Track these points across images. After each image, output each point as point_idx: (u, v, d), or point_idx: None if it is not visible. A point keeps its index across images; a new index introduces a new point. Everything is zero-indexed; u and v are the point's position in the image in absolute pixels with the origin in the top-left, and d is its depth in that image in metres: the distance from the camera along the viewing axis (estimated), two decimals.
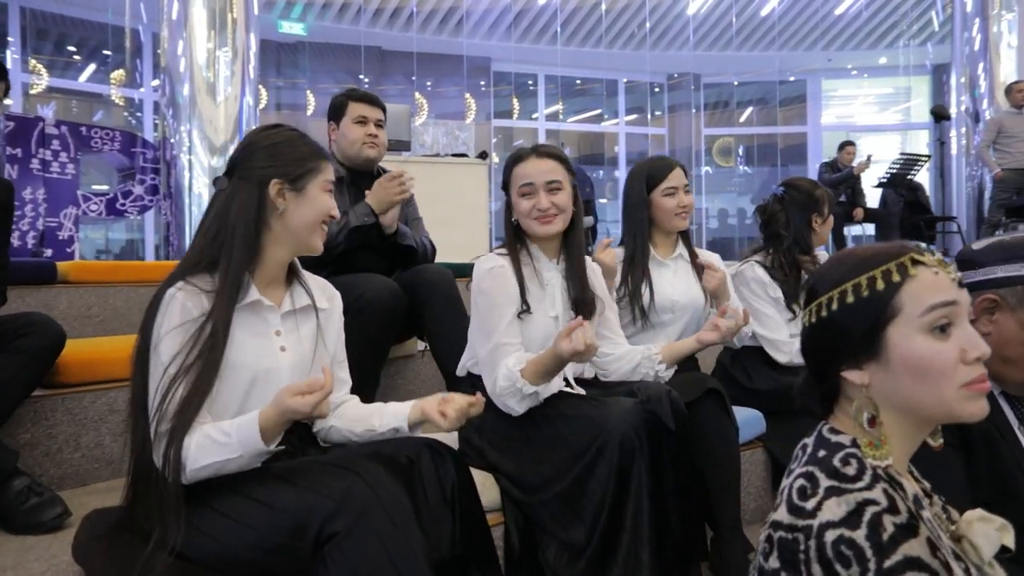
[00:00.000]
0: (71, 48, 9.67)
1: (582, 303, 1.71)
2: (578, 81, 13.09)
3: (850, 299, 0.87)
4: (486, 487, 1.68)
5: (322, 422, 1.42)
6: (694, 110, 12.94)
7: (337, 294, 1.51)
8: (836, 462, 0.84)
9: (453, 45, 11.49)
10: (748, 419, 2.05)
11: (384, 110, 2.43)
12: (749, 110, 13.58)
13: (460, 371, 1.80)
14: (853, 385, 0.88)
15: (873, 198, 7.23)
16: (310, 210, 1.33)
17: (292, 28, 10.74)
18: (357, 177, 2.41)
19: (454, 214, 4.73)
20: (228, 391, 1.24)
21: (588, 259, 1.82)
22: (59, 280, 2.68)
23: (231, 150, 5.32)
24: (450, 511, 1.25)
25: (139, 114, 9.54)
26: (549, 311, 1.68)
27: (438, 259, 2.52)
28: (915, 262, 0.86)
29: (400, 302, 2.16)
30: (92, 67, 9.63)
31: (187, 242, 5.44)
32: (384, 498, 1.11)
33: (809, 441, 0.91)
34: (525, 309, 1.63)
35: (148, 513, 1.17)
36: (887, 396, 0.87)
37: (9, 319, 1.74)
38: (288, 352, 1.33)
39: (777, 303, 2.24)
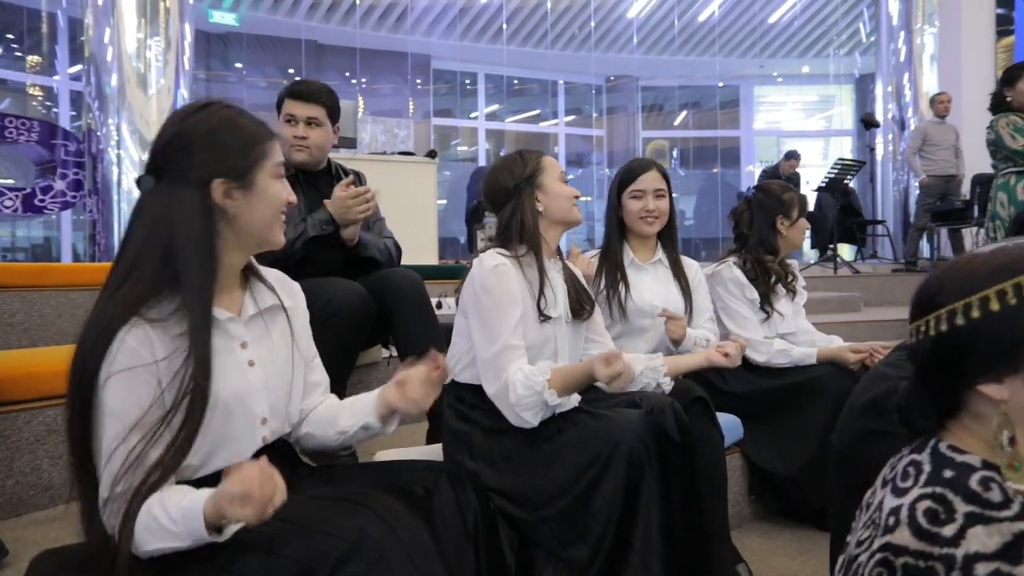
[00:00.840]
0: None
1: (583, 301, 1.67)
2: (515, 81, 13.09)
3: (994, 306, 0.81)
4: None
5: (296, 431, 1.25)
6: (632, 112, 13.14)
7: (296, 286, 1.30)
8: (974, 485, 0.79)
9: (395, 41, 11.28)
10: (726, 425, 2.02)
11: (326, 105, 2.19)
12: (684, 113, 13.89)
13: (450, 375, 1.70)
14: (987, 400, 0.83)
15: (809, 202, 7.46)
16: (264, 206, 1.10)
17: (224, 18, 10.31)
18: (311, 176, 2.26)
19: (403, 214, 4.59)
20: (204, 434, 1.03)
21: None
22: None
23: None
24: (472, 543, 1.11)
25: (49, 104, 8.92)
26: (554, 312, 1.60)
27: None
28: None
29: (369, 308, 2.05)
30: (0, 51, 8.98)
31: (115, 241, 5.11)
32: (403, 536, 0.99)
33: (920, 458, 0.86)
34: (545, 318, 1.56)
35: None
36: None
37: None
38: (258, 367, 1.13)
39: (753, 304, 2.24)
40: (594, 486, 1.37)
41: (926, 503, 0.79)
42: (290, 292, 1.25)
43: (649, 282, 2.01)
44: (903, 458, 0.89)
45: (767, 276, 2.23)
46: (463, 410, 1.61)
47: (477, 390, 1.56)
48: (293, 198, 1.15)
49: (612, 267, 2.01)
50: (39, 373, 1.79)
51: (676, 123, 13.91)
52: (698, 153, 13.77)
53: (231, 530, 0.94)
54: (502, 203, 1.64)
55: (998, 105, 3.68)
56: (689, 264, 2.11)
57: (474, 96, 12.77)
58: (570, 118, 13.28)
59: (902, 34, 7.93)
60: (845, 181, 6.53)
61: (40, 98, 9.12)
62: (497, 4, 11.33)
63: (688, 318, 2.00)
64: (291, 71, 10.83)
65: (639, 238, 2.05)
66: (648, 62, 12.64)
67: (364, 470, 1.23)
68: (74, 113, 8.47)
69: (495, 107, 12.86)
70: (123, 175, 5.03)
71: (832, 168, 6.46)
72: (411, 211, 4.71)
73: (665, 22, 12.31)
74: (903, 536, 0.78)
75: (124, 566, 0.93)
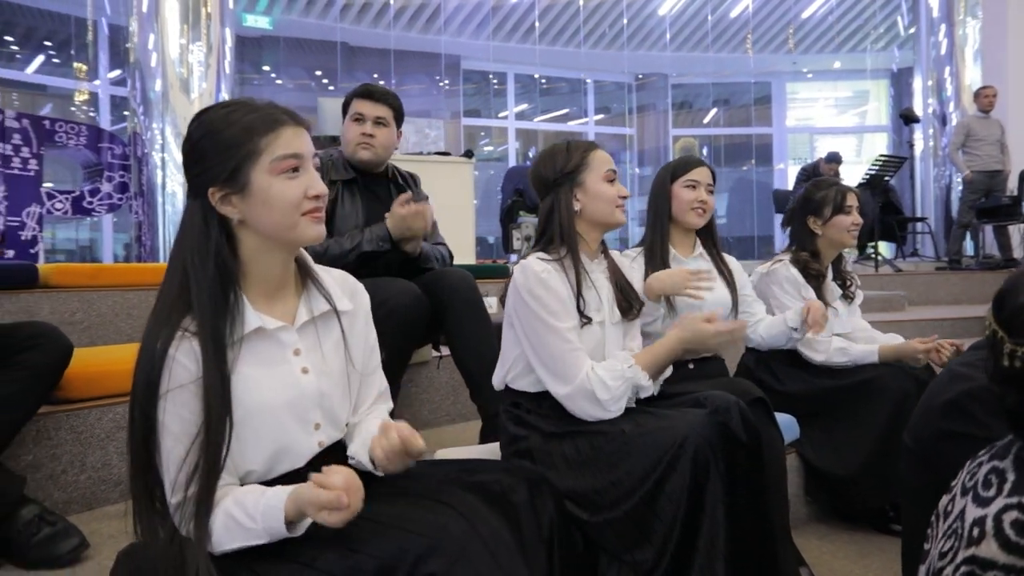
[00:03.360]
0: (10, 39, 9.23)
1: (630, 300, 1.63)
2: (544, 80, 13.07)
3: None
4: None
5: (349, 445, 1.20)
6: (663, 110, 13.05)
7: (361, 288, 1.28)
8: None
9: (426, 42, 11.34)
10: (782, 424, 1.99)
11: (394, 107, 2.27)
12: (715, 110, 13.75)
13: (498, 384, 1.69)
14: None
15: None
16: (266, 206, 1.04)
17: (257, 22, 10.45)
18: (369, 180, 2.29)
19: (441, 215, 4.60)
20: (250, 440, 1.06)
21: (615, 254, 1.73)
22: (39, 284, 2.50)
23: None
24: (546, 547, 1.10)
25: (86, 108, 9.12)
26: (597, 316, 1.57)
27: None
28: None
29: (423, 307, 2.07)
30: (41, 58, 9.21)
31: (160, 242, 5.23)
32: (484, 534, 0.98)
33: (1002, 465, 0.84)
34: (587, 321, 1.53)
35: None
36: None
37: (12, 329, 1.59)
38: (312, 373, 1.12)
39: None
40: (659, 487, 1.35)
41: (1014, 514, 0.77)
42: (352, 294, 1.23)
43: None
44: (982, 464, 0.86)
45: (812, 278, 2.21)
46: (520, 415, 1.59)
47: (534, 396, 1.56)
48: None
49: (660, 263, 1.98)
50: (109, 371, 1.84)
51: (707, 120, 13.78)
52: (729, 151, 13.62)
53: (305, 524, 0.96)
54: (542, 195, 1.61)
55: None
56: (727, 259, 2.11)
57: (503, 95, 12.77)
58: (599, 117, 13.23)
59: (943, 27, 7.77)
60: (886, 178, 6.42)
61: (82, 103, 9.35)
62: (528, 3, 11.32)
63: (736, 311, 2.02)
64: (318, 73, 10.93)
65: (682, 232, 2.04)
66: (679, 59, 12.54)
67: (437, 467, 1.20)
68: (113, 117, 8.67)
69: (525, 106, 12.85)
70: (167, 178, 5.13)
71: (872, 165, 6.35)
72: (448, 211, 4.72)
73: (697, 18, 12.19)
74: (990, 549, 0.76)
75: (205, 565, 0.95)
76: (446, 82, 11.81)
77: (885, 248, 7.26)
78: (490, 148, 13.18)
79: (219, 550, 0.97)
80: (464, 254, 4.95)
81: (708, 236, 2.08)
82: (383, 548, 0.97)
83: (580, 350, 1.49)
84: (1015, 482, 0.81)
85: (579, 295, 1.52)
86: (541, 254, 1.56)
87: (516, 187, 6.77)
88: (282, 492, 0.97)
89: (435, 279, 2.17)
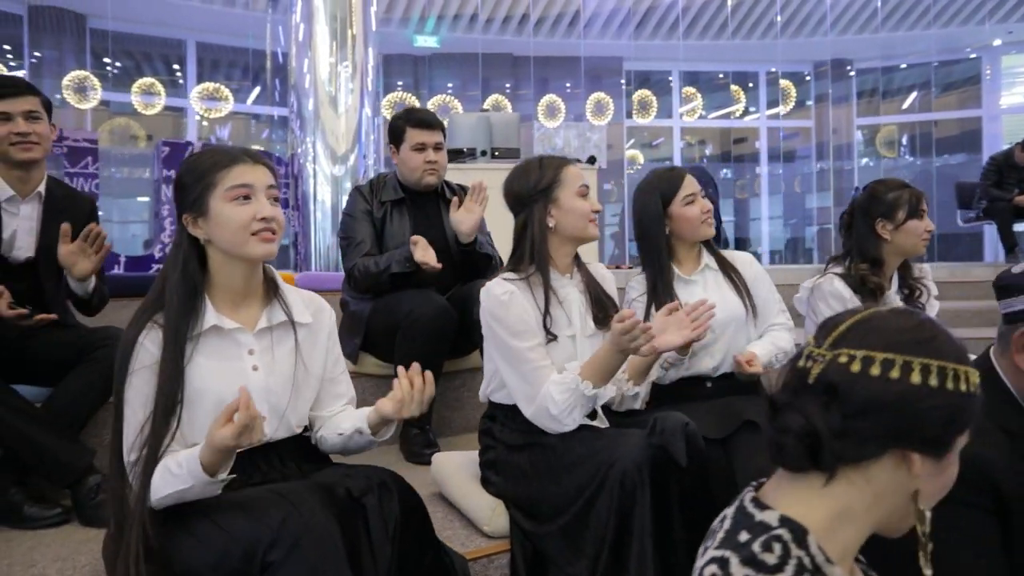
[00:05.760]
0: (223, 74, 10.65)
1: (606, 310, 1.63)
2: (721, 75, 12.50)
3: (969, 388, 0.72)
4: (496, 514, 1.61)
5: (314, 433, 1.44)
6: (846, 99, 11.93)
7: (326, 308, 1.48)
8: (756, 546, 0.68)
9: (590, 47, 11.38)
10: None
11: (443, 130, 2.42)
12: (913, 95, 12.29)
13: (481, 396, 1.74)
14: (889, 468, 0.72)
15: None
16: (222, 229, 1.28)
17: (426, 41, 11.14)
18: (419, 198, 2.42)
19: None
20: (199, 418, 1.27)
21: (595, 265, 1.74)
22: None
23: (351, 160, 5.62)
24: (392, 544, 1.23)
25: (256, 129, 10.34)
26: (567, 331, 1.59)
27: None
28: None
29: (448, 318, 2.16)
30: (258, 89, 10.57)
31: (312, 248, 5.77)
32: (316, 529, 1.13)
33: (728, 512, 0.75)
34: (552, 338, 1.55)
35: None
36: (915, 493, 0.74)
37: (91, 332, 1.96)
38: (261, 372, 1.33)
39: None
40: (591, 505, 1.35)
41: (713, 568, 0.68)
42: (315, 312, 1.44)
43: (700, 294, 1.83)
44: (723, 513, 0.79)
45: (868, 291, 1.94)
46: (492, 427, 1.66)
47: (508, 409, 1.60)
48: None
49: (664, 296, 1.82)
50: None
51: (905, 107, 12.35)
52: (925, 140, 12.11)
53: (223, 475, 1.18)
54: (516, 212, 1.63)
55: None
56: (739, 258, 1.93)
57: (668, 94, 12.43)
58: (772, 111, 12.39)
59: None
60: None
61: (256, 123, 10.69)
62: (684, 1, 10.94)
63: (755, 317, 1.84)
64: (490, 84, 11.36)
65: (685, 248, 1.90)
66: (861, 42, 11.36)
67: (321, 472, 1.36)
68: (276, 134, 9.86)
69: (692, 104, 12.39)
70: (318, 187, 5.66)
71: None
72: None
73: None
74: None
75: (145, 509, 1.19)
76: (612, 84, 11.75)
77: None
78: (649, 149, 12.88)
79: (157, 497, 1.19)
80: (591, 258, 4.92)
81: (707, 242, 1.95)
82: (248, 533, 1.15)
83: (543, 368, 1.51)
84: (725, 533, 0.71)
85: (546, 313, 1.55)
86: (508, 274, 1.61)
87: None
88: (200, 445, 1.20)
89: (468, 289, 2.23)
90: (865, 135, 12.45)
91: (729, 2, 10.88)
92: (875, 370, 0.71)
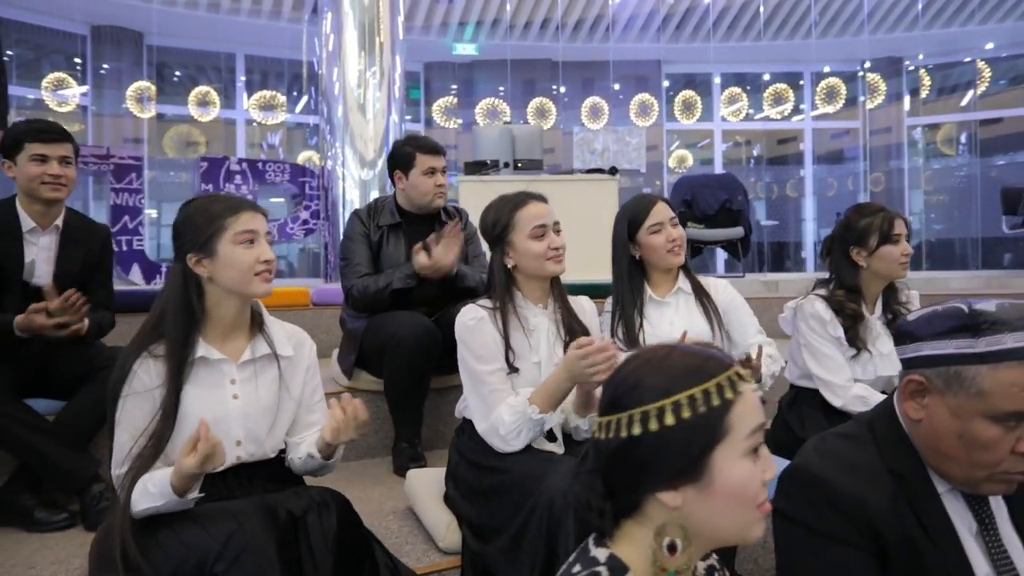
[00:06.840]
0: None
1: (576, 336, 1.67)
2: (766, 76, 12.26)
3: (686, 414, 0.76)
4: (451, 530, 1.68)
5: (287, 457, 1.55)
6: (896, 97, 11.54)
7: (308, 341, 1.60)
8: None
9: (625, 51, 11.33)
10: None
11: (445, 154, 2.54)
12: (970, 93, 11.80)
13: (457, 413, 1.82)
14: (661, 506, 0.78)
15: None
16: (229, 269, 1.42)
17: (465, 49, 11.28)
18: (415, 221, 2.53)
19: (577, 231, 4.61)
20: (181, 439, 1.37)
21: (578, 298, 1.79)
22: None
23: (379, 165, 5.76)
24: (331, 555, 1.35)
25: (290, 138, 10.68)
26: (532, 358, 1.66)
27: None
28: (740, 377, 0.78)
29: (432, 338, 2.26)
30: (305, 98, 10.90)
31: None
32: (254, 546, 1.26)
33: (572, 559, 0.82)
34: (513, 370, 1.63)
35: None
36: (693, 519, 0.78)
37: (104, 351, 2.13)
38: (240, 400, 1.46)
39: (839, 342, 1.97)
40: (524, 530, 1.41)
41: None
42: (297, 345, 1.57)
43: (670, 315, 1.88)
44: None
45: (846, 318, 1.94)
46: (459, 441, 1.75)
47: (473, 425, 1.67)
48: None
49: (630, 316, 1.91)
50: None
51: (964, 103, 11.87)
52: (987, 140, 11.61)
53: (192, 494, 1.31)
54: (491, 245, 1.73)
55: None
56: (715, 285, 1.96)
57: (709, 95, 12.26)
58: (817, 112, 12.09)
59: None
60: None
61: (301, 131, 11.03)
62: (724, 2, 10.77)
63: (725, 343, 1.88)
64: (504, 86, 11.43)
65: (660, 271, 1.94)
66: (912, 39, 11.00)
67: (274, 494, 1.46)
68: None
69: (737, 106, 12.18)
70: (346, 191, 5.84)
71: None
72: (584, 228, 4.75)
73: None
74: None
75: (127, 519, 1.32)
76: (652, 87, 11.67)
77: None
78: (686, 152, 12.69)
79: (136, 509, 1.33)
80: (596, 269, 4.92)
81: (685, 266, 2.00)
82: (200, 546, 1.27)
83: (499, 391, 1.59)
84: (567, 564, 0.78)
85: (507, 347, 1.63)
86: (483, 301, 1.70)
87: (684, 198, 6.54)
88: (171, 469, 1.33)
89: (454, 314, 2.32)
90: (926, 133, 12.04)
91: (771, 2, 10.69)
92: (600, 433, 0.80)
